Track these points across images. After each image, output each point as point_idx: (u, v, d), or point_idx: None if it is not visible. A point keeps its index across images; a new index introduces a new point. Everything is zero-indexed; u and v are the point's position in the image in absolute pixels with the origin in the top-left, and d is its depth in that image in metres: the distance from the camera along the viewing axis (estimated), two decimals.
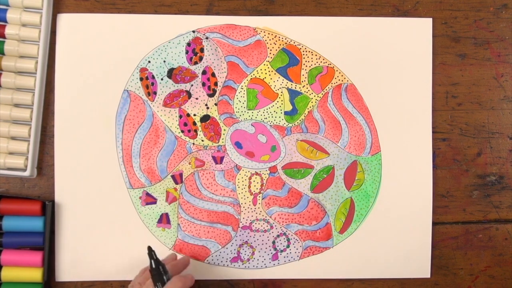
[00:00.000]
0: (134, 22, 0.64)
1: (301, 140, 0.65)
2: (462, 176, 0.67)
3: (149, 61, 0.64)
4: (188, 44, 0.64)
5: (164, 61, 0.64)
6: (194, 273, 0.63)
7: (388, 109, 0.66)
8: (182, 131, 0.64)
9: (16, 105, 0.62)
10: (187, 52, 0.64)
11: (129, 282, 0.63)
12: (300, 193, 0.65)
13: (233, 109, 0.65)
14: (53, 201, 0.63)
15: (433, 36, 0.66)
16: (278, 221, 0.65)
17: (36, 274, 0.61)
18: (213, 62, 0.65)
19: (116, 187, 0.64)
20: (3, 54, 0.62)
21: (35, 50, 0.62)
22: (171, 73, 0.64)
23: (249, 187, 0.65)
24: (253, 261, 0.65)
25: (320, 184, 0.65)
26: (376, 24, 0.66)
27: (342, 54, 0.65)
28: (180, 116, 0.64)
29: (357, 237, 0.65)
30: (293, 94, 0.65)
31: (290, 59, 0.65)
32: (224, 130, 0.65)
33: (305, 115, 0.65)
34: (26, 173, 0.61)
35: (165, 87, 0.64)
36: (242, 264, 0.65)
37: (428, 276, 0.66)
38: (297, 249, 0.65)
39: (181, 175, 0.64)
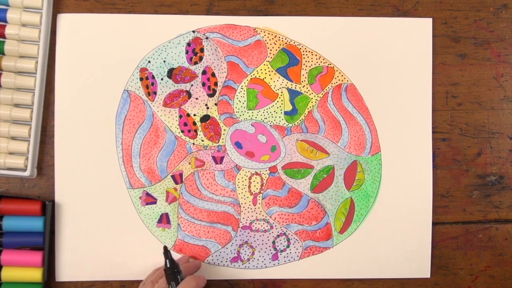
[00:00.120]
0: (134, 22, 0.64)
1: (301, 140, 0.65)
2: (462, 176, 0.67)
3: (149, 61, 0.64)
4: (188, 44, 0.64)
5: (164, 61, 0.64)
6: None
7: (388, 109, 0.66)
8: (182, 131, 0.64)
9: (16, 105, 0.62)
10: (187, 52, 0.64)
11: (129, 282, 0.63)
12: (300, 193, 0.65)
13: (233, 109, 0.65)
14: (53, 201, 0.63)
15: (433, 36, 0.66)
16: (278, 221, 0.65)
17: (36, 274, 0.61)
18: (213, 62, 0.65)
19: (116, 187, 0.64)
20: (3, 54, 0.62)
21: (35, 50, 0.62)
22: (171, 73, 0.64)
23: (249, 187, 0.65)
24: (253, 261, 0.65)
25: (320, 184, 0.65)
26: (376, 24, 0.66)
27: (342, 54, 0.65)
28: (180, 116, 0.64)
29: (357, 237, 0.65)
30: (293, 94, 0.65)
31: (290, 59, 0.65)
32: (224, 130, 0.65)
33: (305, 115, 0.65)
34: (26, 173, 0.61)
35: (165, 87, 0.64)
36: (242, 264, 0.65)
37: (428, 276, 0.66)
38: (297, 249, 0.65)
39: (181, 175, 0.64)
